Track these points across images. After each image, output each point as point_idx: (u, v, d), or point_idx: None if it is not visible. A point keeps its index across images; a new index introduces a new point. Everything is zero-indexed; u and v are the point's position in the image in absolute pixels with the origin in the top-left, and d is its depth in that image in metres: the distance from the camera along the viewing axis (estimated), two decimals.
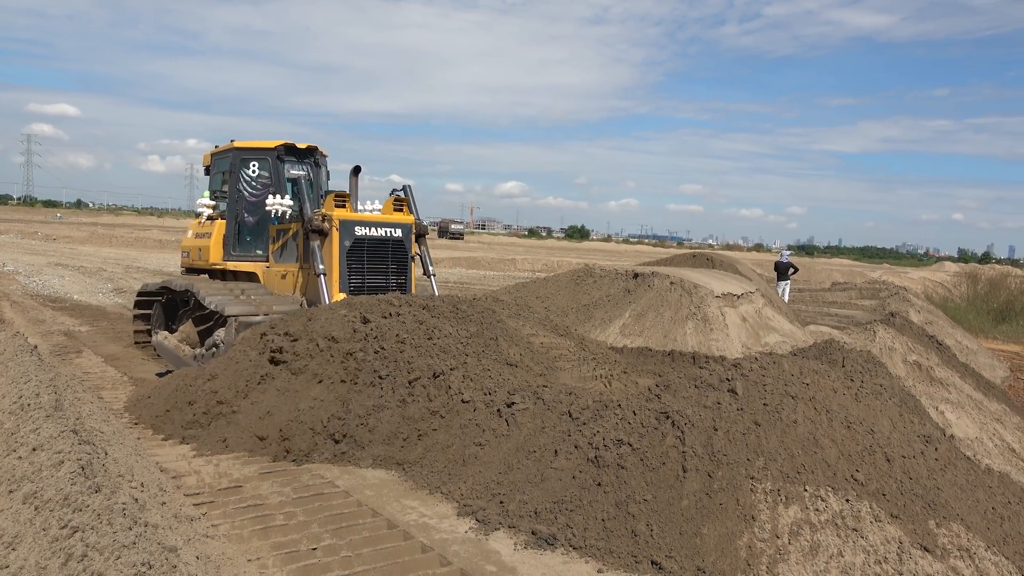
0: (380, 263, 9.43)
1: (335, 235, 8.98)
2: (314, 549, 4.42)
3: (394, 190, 10.21)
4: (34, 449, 4.13)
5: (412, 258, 9.80)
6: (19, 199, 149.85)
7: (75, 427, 4.52)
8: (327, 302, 8.37)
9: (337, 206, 9.16)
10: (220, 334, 8.40)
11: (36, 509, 3.43)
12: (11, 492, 3.77)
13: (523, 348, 7.30)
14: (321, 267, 8.73)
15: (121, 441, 5.49)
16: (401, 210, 9.90)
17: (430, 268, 10.29)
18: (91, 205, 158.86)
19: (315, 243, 8.87)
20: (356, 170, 10.18)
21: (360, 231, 9.19)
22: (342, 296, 8.73)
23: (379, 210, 10.04)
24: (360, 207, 9.88)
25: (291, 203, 9.60)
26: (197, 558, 3.69)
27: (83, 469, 3.73)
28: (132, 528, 3.21)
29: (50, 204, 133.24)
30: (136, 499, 3.81)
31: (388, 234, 9.45)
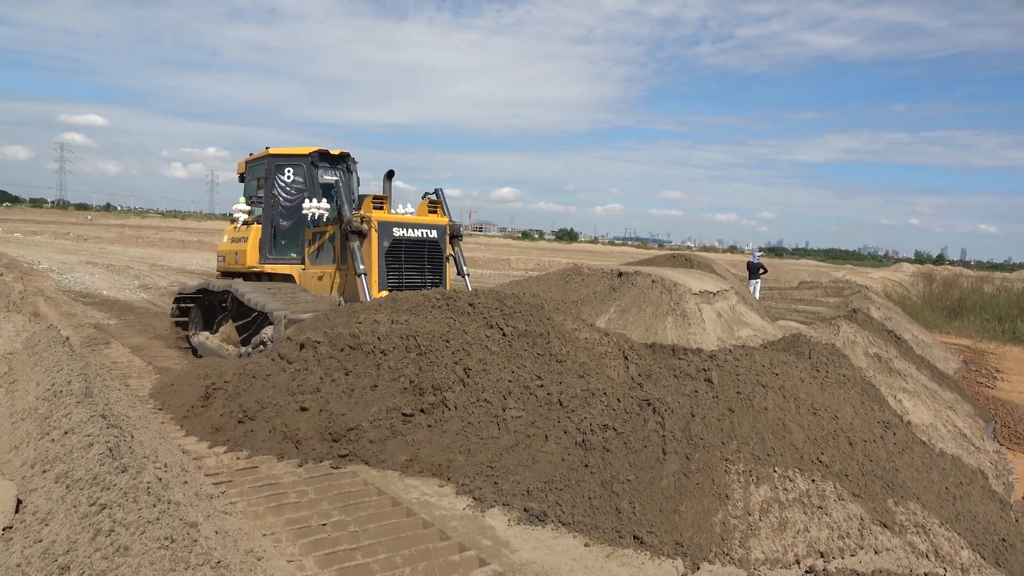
0: (417, 263, 9.11)
1: (374, 236, 8.66)
2: (324, 525, 4.41)
3: (426, 193, 9.86)
4: (66, 432, 4.10)
5: (447, 259, 9.49)
6: (53, 202, 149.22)
7: (104, 412, 4.50)
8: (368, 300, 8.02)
9: (375, 208, 8.84)
10: (268, 332, 8.05)
11: (67, 488, 3.41)
12: (44, 472, 3.75)
13: (572, 345, 6.80)
14: (362, 267, 8.41)
15: (146, 425, 5.47)
16: (435, 212, 9.56)
17: (464, 268, 9.97)
18: (119, 208, 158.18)
19: (354, 244, 8.54)
20: (390, 174, 9.86)
21: (398, 232, 8.88)
22: (384, 293, 8.39)
23: (412, 213, 9.68)
24: (392, 210, 9.50)
25: (328, 206, 9.28)
26: (216, 533, 3.67)
27: (111, 451, 3.72)
28: (156, 505, 3.20)
29: (81, 207, 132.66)
30: (160, 479, 3.79)
31: (424, 235, 9.13)
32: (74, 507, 3.19)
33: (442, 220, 9.49)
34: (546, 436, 5.25)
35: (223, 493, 4.78)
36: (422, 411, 5.66)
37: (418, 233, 9.08)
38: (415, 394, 5.79)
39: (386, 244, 8.75)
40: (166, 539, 2.92)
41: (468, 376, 5.89)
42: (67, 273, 21.78)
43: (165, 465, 4.31)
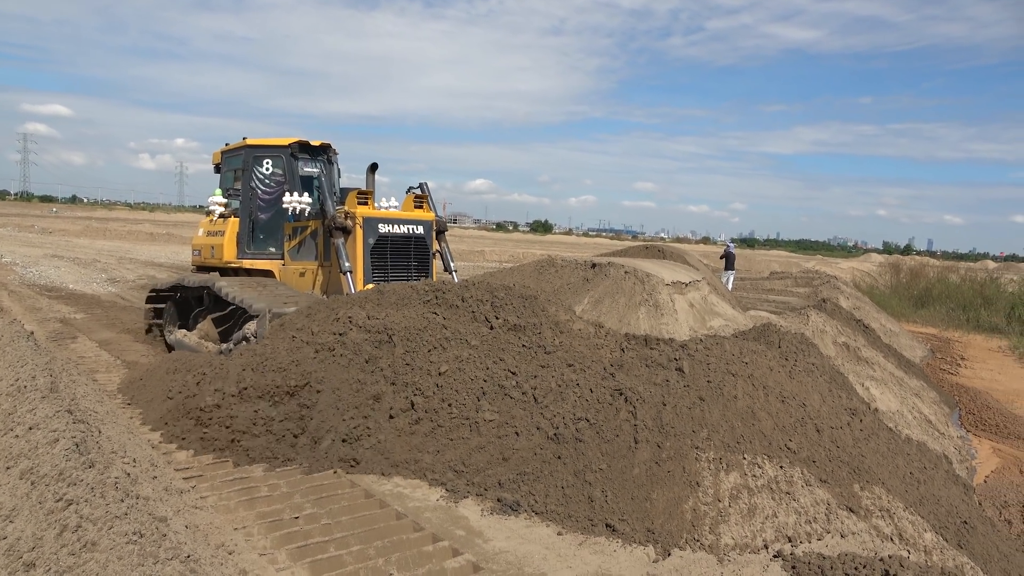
0: (403, 260, 8.86)
1: (359, 233, 8.40)
2: (296, 518, 4.39)
3: (411, 187, 9.59)
4: (30, 428, 4.03)
5: (434, 255, 9.27)
6: (16, 194, 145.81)
7: (70, 407, 4.42)
8: None
9: (360, 203, 8.57)
10: (251, 327, 7.73)
11: (32, 484, 3.36)
12: (8, 468, 3.68)
13: (566, 336, 6.52)
14: (347, 265, 8.16)
15: (115, 420, 5.39)
16: (421, 207, 9.31)
17: (452, 264, 9.71)
18: (85, 200, 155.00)
19: (339, 241, 8.29)
20: (373, 167, 9.60)
21: (383, 228, 8.62)
22: (370, 287, 8.00)
23: (396, 208, 9.40)
24: (376, 204, 9.20)
25: (309, 200, 9.00)
26: (186, 527, 3.64)
27: (77, 446, 3.66)
28: (124, 500, 3.16)
29: (46, 199, 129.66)
30: (128, 474, 3.75)
31: (411, 231, 8.88)
32: (39, 503, 3.14)
33: (428, 215, 9.26)
34: (517, 433, 5.21)
35: (194, 488, 4.73)
36: (390, 417, 5.49)
37: (404, 229, 8.85)
38: (383, 399, 5.59)
39: (371, 241, 8.52)
40: (134, 534, 2.89)
41: (441, 376, 5.72)
42: (32, 266, 21.32)
43: (134, 460, 4.25)
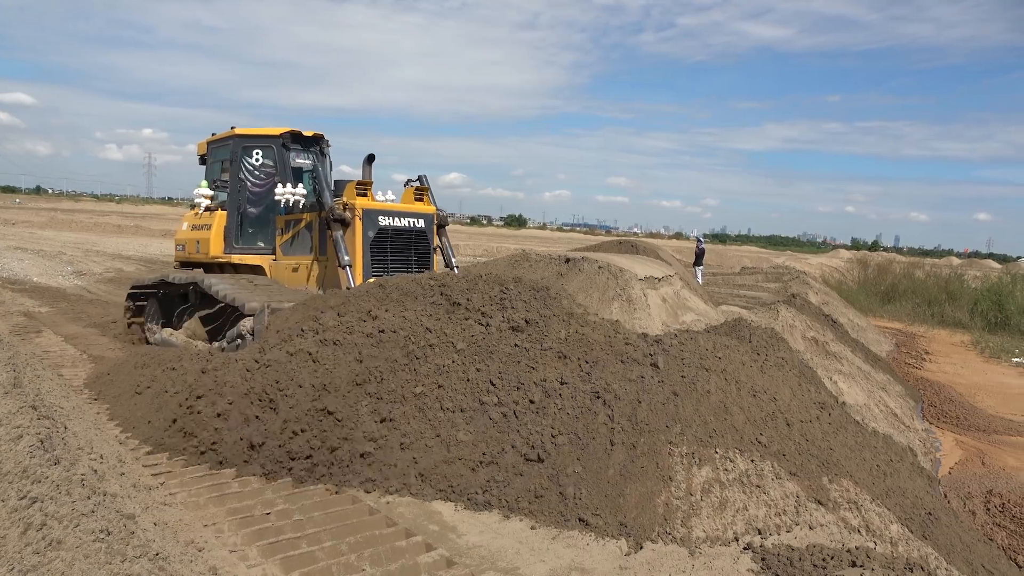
0: (403, 254, 8.58)
1: (358, 225, 8.11)
2: (268, 514, 4.35)
3: (409, 180, 9.30)
4: None
5: (434, 250, 9.01)
6: None
7: (34, 403, 4.32)
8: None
9: (359, 195, 8.28)
10: (247, 324, 7.40)
11: None
12: None
13: (578, 328, 6.08)
14: (347, 258, 7.87)
15: (81, 416, 5.29)
16: (422, 200, 9.02)
17: (453, 260, 9.43)
18: (50, 191, 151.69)
19: (337, 233, 7.99)
20: (370, 158, 9.27)
21: (384, 221, 8.34)
22: (371, 281, 7.63)
23: (394, 200, 9.10)
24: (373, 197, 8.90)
25: (304, 192, 8.70)
26: (155, 524, 3.59)
27: (42, 443, 3.58)
28: (91, 497, 3.11)
29: (8, 190, 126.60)
30: (95, 470, 3.68)
31: (411, 224, 8.61)
32: (2, 501, 3.07)
33: (429, 208, 9.01)
34: (484, 453, 4.93)
35: (163, 484, 4.67)
36: (346, 439, 5.08)
37: (405, 222, 8.58)
38: (343, 426, 5.12)
39: (371, 234, 8.25)
40: (102, 532, 2.84)
41: (416, 397, 5.30)
42: None
43: (101, 456, 4.17)
